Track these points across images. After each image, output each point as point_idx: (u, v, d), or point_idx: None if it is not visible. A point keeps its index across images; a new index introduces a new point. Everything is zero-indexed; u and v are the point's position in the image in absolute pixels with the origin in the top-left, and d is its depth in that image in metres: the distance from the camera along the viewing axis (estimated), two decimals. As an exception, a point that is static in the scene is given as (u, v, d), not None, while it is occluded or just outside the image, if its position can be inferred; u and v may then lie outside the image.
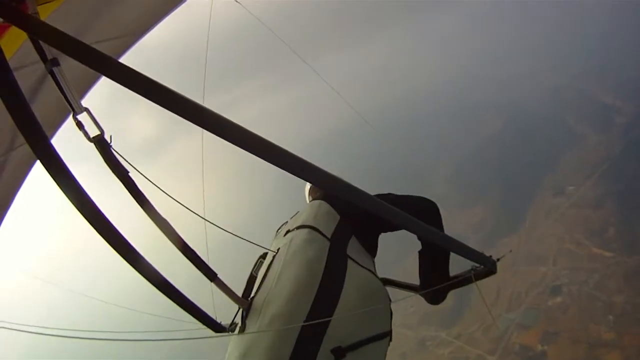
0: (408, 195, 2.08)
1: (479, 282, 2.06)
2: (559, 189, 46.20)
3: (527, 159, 53.19)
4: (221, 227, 1.81)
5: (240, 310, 1.60)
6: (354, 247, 1.81)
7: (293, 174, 1.19)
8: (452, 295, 2.25)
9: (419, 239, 2.16)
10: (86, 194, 1.42)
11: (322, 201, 2.08)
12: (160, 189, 1.75)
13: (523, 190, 48.64)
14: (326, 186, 1.35)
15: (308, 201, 2.81)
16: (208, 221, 1.82)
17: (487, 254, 2.02)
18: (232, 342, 1.49)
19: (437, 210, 2.08)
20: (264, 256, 2.14)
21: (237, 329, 1.58)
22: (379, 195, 2.13)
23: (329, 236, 1.76)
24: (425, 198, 2.11)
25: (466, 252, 1.86)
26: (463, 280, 2.14)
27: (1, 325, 1.22)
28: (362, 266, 1.70)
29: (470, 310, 36.61)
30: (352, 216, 1.95)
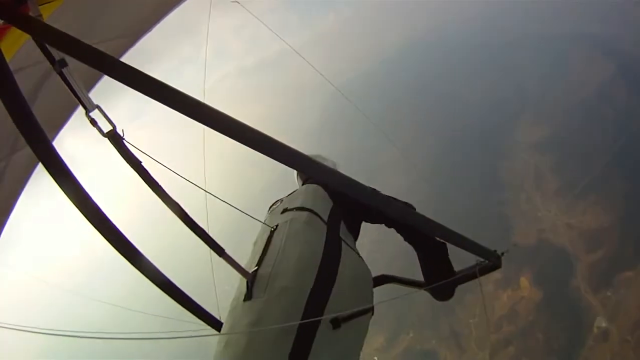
0: (392, 197, 2.14)
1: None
2: None
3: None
4: (222, 199, 1.89)
5: (245, 281, 1.69)
6: (344, 231, 2.01)
7: (294, 169, 1.20)
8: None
9: (409, 239, 2.20)
10: (88, 195, 1.43)
11: (317, 186, 2.28)
12: (170, 169, 1.83)
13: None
14: (325, 179, 1.38)
15: (297, 182, 2.90)
16: (211, 193, 1.91)
17: (492, 249, 2.00)
18: (238, 311, 1.59)
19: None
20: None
21: (243, 297, 1.63)
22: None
23: (326, 220, 1.96)
24: (407, 202, 2.19)
25: (470, 246, 1.85)
26: (468, 276, 2.14)
27: (1, 325, 1.23)
28: (352, 249, 1.91)
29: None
30: (342, 202, 2.17)
